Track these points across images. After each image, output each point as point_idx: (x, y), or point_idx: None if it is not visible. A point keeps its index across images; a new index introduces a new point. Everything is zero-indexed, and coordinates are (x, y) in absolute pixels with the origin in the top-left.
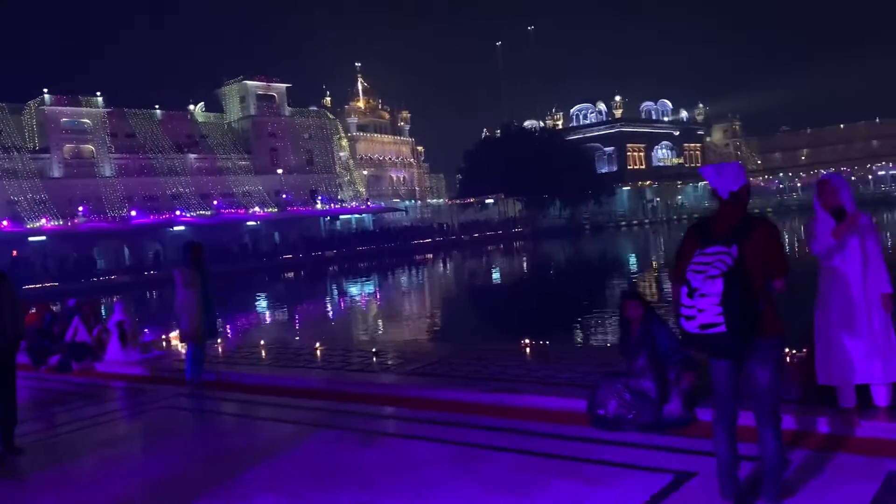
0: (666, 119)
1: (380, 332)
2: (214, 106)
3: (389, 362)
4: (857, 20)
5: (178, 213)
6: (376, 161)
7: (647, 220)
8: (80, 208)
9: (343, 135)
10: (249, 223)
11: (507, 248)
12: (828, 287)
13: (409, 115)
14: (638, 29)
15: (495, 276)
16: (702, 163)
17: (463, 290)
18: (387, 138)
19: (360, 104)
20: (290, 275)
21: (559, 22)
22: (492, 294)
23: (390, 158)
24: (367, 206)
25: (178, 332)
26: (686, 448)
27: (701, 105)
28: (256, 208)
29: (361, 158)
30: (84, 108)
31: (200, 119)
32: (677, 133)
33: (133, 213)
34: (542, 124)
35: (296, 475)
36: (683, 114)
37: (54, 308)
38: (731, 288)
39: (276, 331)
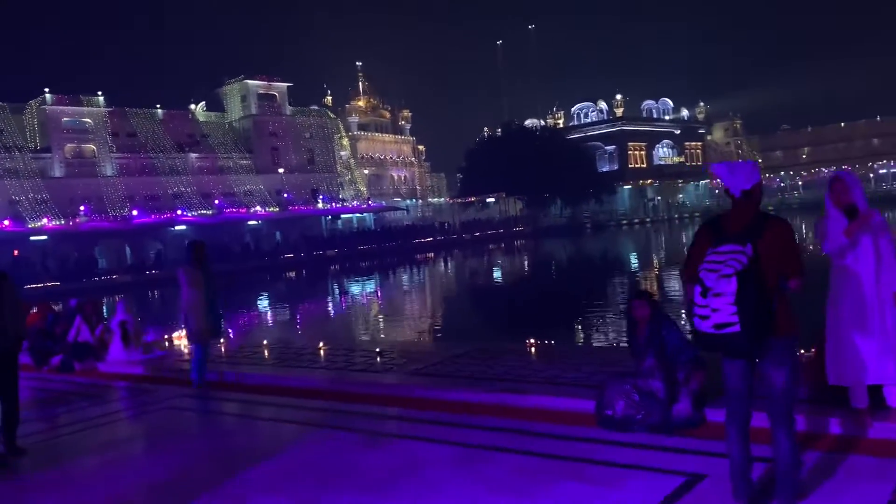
0: (667, 118)
1: (383, 331)
2: (215, 105)
3: (393, 362)
4: (857, 20)
5: (179, 212)
6: (377, 160)
7: (648, 219)
8: (82, 208)
9: (344, 134)
10: (251, 222)
11: (509, 247)
12: (839, 286)
13: (409, 114)
14: (638, 28)
15: (497, 275)
16: (703, 161)
17: (465, 290)
18: (388, 137)
19: (361, 103)
20: (292, 274)
21: (560, 21)
22: (494, 293)
23: (391, 157)
24: (369, 205)
25: (184, 332)
26: (696, 449)
27: (702, 103)
28: (258, 208)
29: (362, 157)
30: (85, 108)
31: (201, 118)
32: (678, 132)
33: (134, 212)
34: (542, 123)
35: (298, 476)
36: (684, 112)
37: (56, 308)
38: (746, 287)
39: (279, 330)
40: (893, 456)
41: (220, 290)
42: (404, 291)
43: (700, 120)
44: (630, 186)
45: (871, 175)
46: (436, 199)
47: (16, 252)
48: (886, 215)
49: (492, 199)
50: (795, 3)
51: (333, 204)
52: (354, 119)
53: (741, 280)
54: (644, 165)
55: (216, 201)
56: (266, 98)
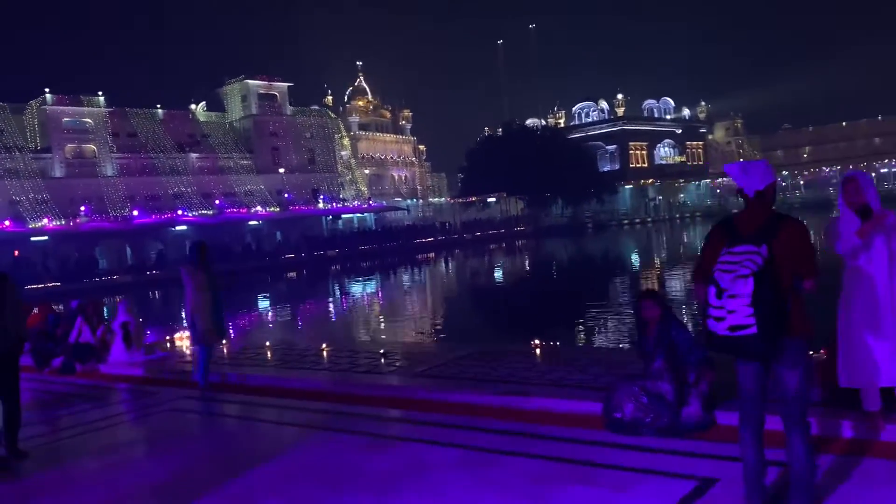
0: (668, 117)
1: (385, 332)
2: (216, 105)
3: (397, 364)
4: (858, 19)
5: (180, 212)
6: (378, 160)
7: (649, 219)
8: (82, 208)
9: (345, 134)
10: (251, 223)
11: (510, 247)
12: (852, 287)
13: (410, 113)
14: (639, 27)
15: (499, 275)
16: (704, 161)
17: (467, 290)
18: (388, 137)
19: (362, 103)
20: (293, 274)
21: (560, 20)
22: (496, 294)
23: (392, 157)
24: (369, 205)
25: (190, 334)
26: (706, 453)
27: (703, 103)
28: (258, 208)
29: (363, 157)
30: (86, 108)
31: (202, 118)
32: (679, 131)
33: (135, 212)
34: (543, 123)
35: (302, 479)
36: (686, 112)
37: (56, 309)
38: (763, 288)
39: (281, 331)
40: None
41: (223, 290)
42: (406, 292)
43: (701, 119)
44: (631, 186)
45: (873, 174)
46: (436, 199)
47: (16, 252)
48: None
49: (493, 199)
50: (796, 3)
51: (334, 204)
52: (355, 119)
53: (758, 281)
54: (645, 165)
55: (217, 201)
56: (266, 98)
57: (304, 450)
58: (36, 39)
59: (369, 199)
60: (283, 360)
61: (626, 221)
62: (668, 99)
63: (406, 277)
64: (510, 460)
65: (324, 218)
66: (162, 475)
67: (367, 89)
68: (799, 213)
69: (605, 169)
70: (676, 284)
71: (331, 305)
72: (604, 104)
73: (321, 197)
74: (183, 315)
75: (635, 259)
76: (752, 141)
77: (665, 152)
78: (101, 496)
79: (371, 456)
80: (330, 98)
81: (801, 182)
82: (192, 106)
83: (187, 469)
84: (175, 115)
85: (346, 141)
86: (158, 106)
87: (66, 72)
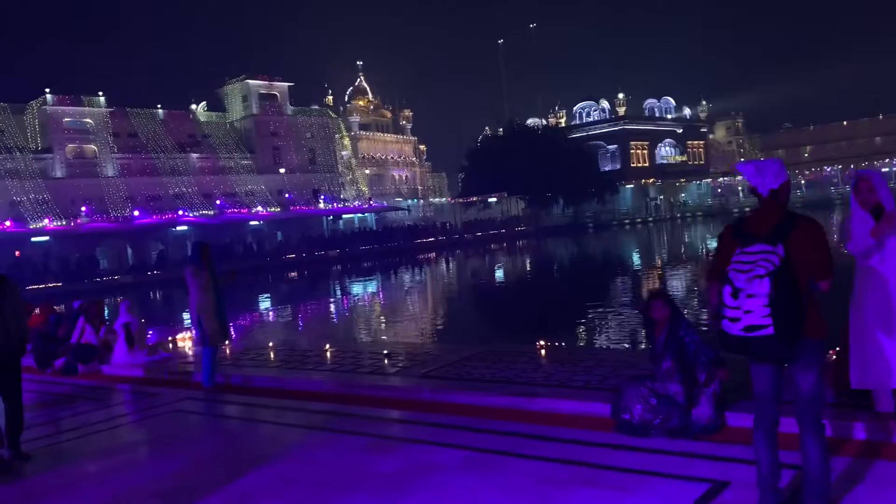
0: (669, 116)
1: (388, 333)
2: (216, 105)
3: (401, 364)
4: (858, 17)
5: (180, 212)
6: (378, 160)
7: (650, 218)
8: (83, 208)
9: (345, 134)
10: (252, 223)
11: (511, 247)
12: (864, 287)
13: (410, 113)
14: (640, 27)
15: (501, 275)
16: (705, 160)
17: (469, 291)
18: (389, 137)
19: (362, 103)
20: (294, 274)
21: (561, 20)
22: (498, 294)
23: (392, 157)
24: (370, 205)
25: (195, 335)
26: (717, 455)
27: (704, 102)
28: (259, 208)
29: (364, 157)
30: (86, 108)
31: (203, 118)
32: (680, 130)
33: (136, 213)
34: (544, 122)
35: (306, 480)
36: (686, 111)
37: (58, 309)
38: (780, 288)
39: (283, 332)
40: None
41: (226, 290)
42: (407, 292)
43: (702, 119)
44: (632, 186)
45: None
46: (437, 199)
47: (17, 253)
48: None
49: (493, 199)
50: (796, 2)
51: (335, 204)
52: (355, 119)
53: (775, 281)
54: (646, 164)
55: (217, 202)
56: (267, 98)
57: (308, 451)
58: (36, 39)
59: (370, 199)
60: (286, 360)
61: (627, 221)
62: (668, 98)
63: (407, 278)
64: (516, 462)
65: (325, 218)
66: (165, 477)
67: (368, 89)
68: (800, 212)
69: (606, 168)
70: (678, 284)
71: (332, 306)
72: (605, 104)
73: (322, 197)
74: (186, 316)
75: (637, 259)
76: (752, 140)
77: (666, 152)
78: (103, 498)
79: (376, 457)
80: (330, 98)
81: (803, 181)
82: (193, 106)
83: (190, 470)
84: (176, 115)
85: (346, 141)
86: (159, 106)
87: (66, 72)
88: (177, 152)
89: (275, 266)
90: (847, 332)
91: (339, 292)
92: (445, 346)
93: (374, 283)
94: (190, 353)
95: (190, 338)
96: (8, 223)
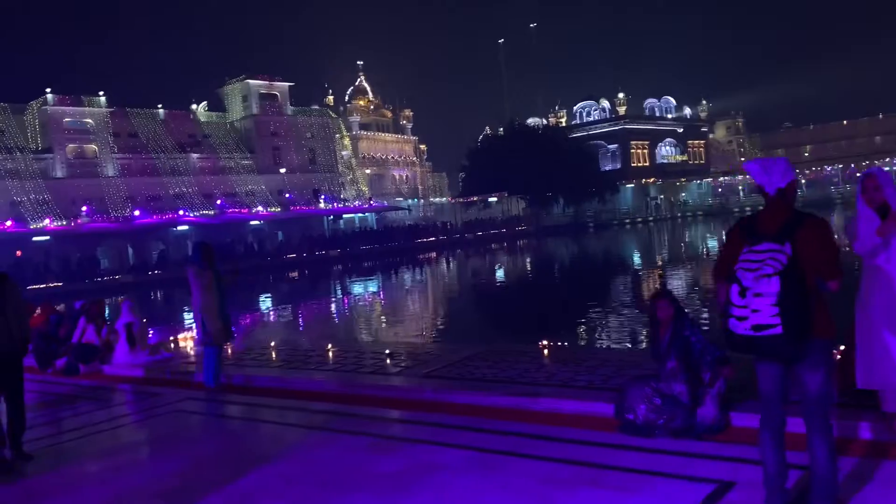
0: (669, 116)
1: (390, 333)
2: (217, 105)
3: (403, 364)
4: (858, 17)
5: (181, 212)
6: (379, 160)
7: (650, 218)
8: (84, 208)
9: (345, 134)
10: (253, 223)
11: (512, 247)
12: (870, 286)
13: (411, 113)
14: (640, 26)
15: (502, 275)
16: (706, 160)
17: (470, 290)
18: (389, 137)
19: (363, 103)
20: (295, 274)
21: (562, 19)
22: (500, 294)
23: (393, 157)
24: (371, 205)
25: (199, 335)
26: (722, 455)
27: (704, 102)
28: (259, 208)
29: (364, 157)
30: (87, 108)
31: (203, 118)
32: (681, 130)
33: (136, 212)
34: (545, 122)
35: (308, 480)
36: (687, 111)
37: (59, 308)
38: (789, 288)
39: (285, 332)
40: None
41: (228, 289)
42: (408, 292)
43: (702, 118)
44: (633, 185)
45: None
46: (438, 199)
47: (18, 252)
48: None
49: (494, 199)
50: (796, 2)
51: (335, 204)
52: (356, 119)
53: (784, 280)
54: (647, 164)
55: (218, 202)
56: (267, 98)
57: (309, 451)
58: (36, 39)
59: (370, 199)
60: (287, 360)
61: (627, 221)
62: (669, 98)
63: (408, 277)
64: (519, 462)
65: (325, 218)
66: (166, 477)
67: (368, 89)
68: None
69: (607, 168)
70: (679, 284)
71: (334, 306)
72: (605, 103)
73: (322, 197)
74: (189, 316)
75: (637, 259)
76: (753, 139)
77: (666, 151)
78: (105, 497)
79: (378, 457)
80: (331, 98)
81: (803, 181)
82: (193, 106)
83: (192, 470)
84: (176, 115)
85: (346, 141)
86: (159, 106)
87: (66, 72)
88: (177, 152)
89: (275, 266)
90: (853, 332)
91: (339, 292)
92: (447, 345)
93: (375, 282)
94: (191, 352)
95: (191, 337)
96: (9, 223)
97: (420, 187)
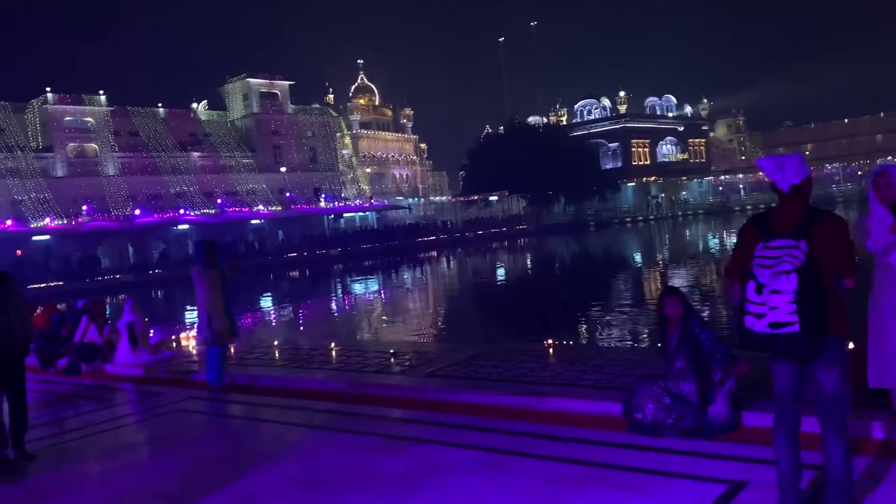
0: (670, 114)
1: (392, 332)
2: (217, 104)
3: (407, 364)
4: (858, 17)
5: (182, 211)
6: (379, 158)
7: (651, 217)
8: (84, 207)
9: (346, 132)
10: (254, 222)
11: (512, 246)
12: (882, 285)
13: (411, 112)
14: (641, 25)
15: (505, 273)
16: (706, 158)
17: (472, 289)
18: (389, 136)
19: (363, 101)
20: (296, 273)
21: (562, 18)
22: (501, 293)
23: (393, 156)
24: (371, 203)
25: (204, 334)
26: (733, 455)
27: (705, 100)
28: (260, 207)
29: (364, 156)
30: (87, 107)
31: (203, 117)
32: (682, 128)
33: (137, 211)
34: (545, 120)
35: (313, 480)
36: (688, 109)
37: (60, 307)
38: (806, 285)
39: (287, 331)
40: None
41: (232, 282)
42: (410, 291)
43: (703, 117)
44: (633, 184)
45: None
46: (438, 198)
47: (19, 252)
48: None
49: (494, 198)
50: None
51: (336, 203)
52: (356, 117)
53: (802, 277)
54: (647, 162)
55: (219, 200)
56: (268, 96)
57: (314, 451)
58: (37, 39)
59: (371, 197)
60: (291, 359)
61: (628, 219)
62: (670, 96)
63: (409, 276)
64: (527, 462)
65: (326, 217)
66: (169, 477)
67: (369, 87)
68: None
69: (608, 167)
70: (680, 283)
71: (336, 305)
72: (606, 102)
73: (323, 196)
74: (190, 315)
75: (639, 257)
76: (753, 138)
77: (667, 150)
78: (107, 497)
79: (383, 457)
80: (331, 96)
81: None
82: (194, 104)
83: (194, 470)
84: (176, 114)
85: (347, 139)
86: (160, 105)
87: (67, 71)
88: (178, 151)
89: (276, 265)
90: (865, 331)
91: (341, 291)
92: (451, 344)
93: (376, 281)
94: (194, 352)
95: (193, 336)
96: (9, 222)
97: (420, 186)
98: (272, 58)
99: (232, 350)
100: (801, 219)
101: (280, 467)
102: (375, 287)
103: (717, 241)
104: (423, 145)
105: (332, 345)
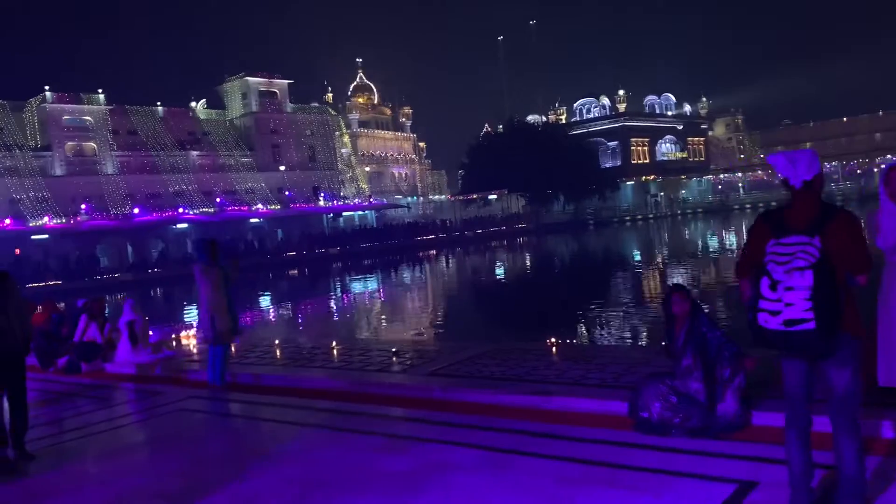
0: (669, 113)
1: (393, 330)
2: (216, 102)
3: (410, 362)
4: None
5: (181, 210)
6: (378, 157)
7: (650, 215)
8: (83, 206)
9: (345, 131)
10: (253, 220)
11: (512, 244)
12: (892, 282)
13: (410, 110)
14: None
15: (505, 272)
16: (705, 157)
17: (472, 288)
18: (388, 134)
19: (362, 100)
20: (295, 272)
21: (561, 17)
22: (501, 291)
23: (392, 155)
24: (370, 202)
25: (206, 333)
26: (742, 454)
27: (704, 99)
28: (259, 205)
29: (363, 155)
30: (86, 106)
31: (202, 116)
32: (681, 127)
33: (136, 210)
34: (544, 119)
35: (315, 480)
36: (687, 108)
37: (60, 306)
38: (822, 281)
39: (287, 329)
40: None
41: (234, 280)
42: (409, 290)
43: (702, 115)
44: (633, 182)
45: (875, 170)
46: (437, 197)
47: (17, 251)
48: None
49: (493, 197)
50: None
51: (335, 202)
52: (355, 116)
53: (818, 274)
54: (647, 161)
55: (217, 199)
56: (267, 95)
57: (316, 450)
58: (35, 37)
59: (370, 196)
60: (292, 358)
61: (627, 218)
62: (669, 95)
63: (408, 275)
64: (532, 461)
65: (325, 216)
66: (169, 477)
67: (368, 86)
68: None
69: (607, 165)
70: (680, 281)
71: (335, 304)
72: (605, 100)
73: (322, 194)
74: (190, 314)
75: (638, 256)
76: (752, 137)
77: (666, 148)
78: (107, 497)
79: (387, 456)
80: (330, 95)
81: None
82: (193, 103)
83: (195, 470)
84: (175, 113)
85: (346, 138)
86: (159, 103)
87: (65, 69)
88: (177, 150)
89: (275, 264)
90: (874, 329)
91: (340, 290)
92: (453, 343)
93: (376, 280)
94: (194, 350)
95: (193, 335)
96: (7, 221)
97: (419, 185)
98: (271, 57)
99: (233, 349)
100: (814, 215)
101: (281, 467)
102: (375, 286)
103: (716, 239)
104: (422, 144)
105: (334, 343)
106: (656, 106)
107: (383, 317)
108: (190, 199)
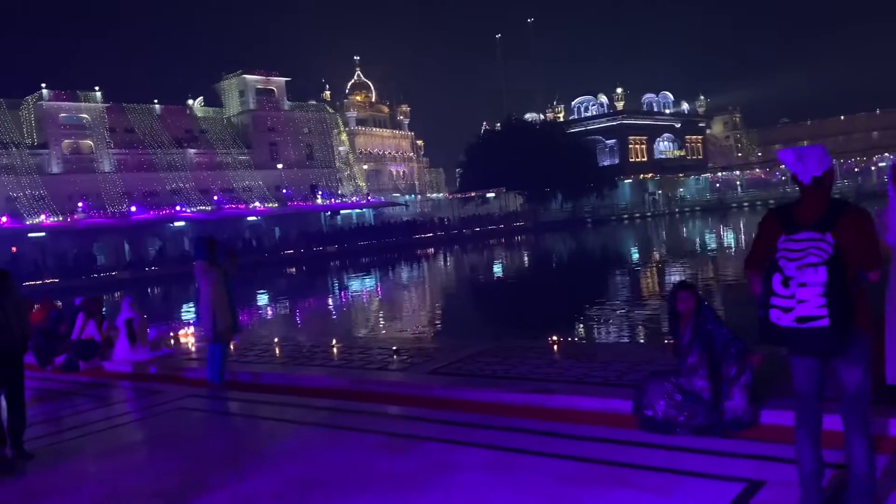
0: (667, 111)
1: (393, 328)
2: (213, 100)
3: (410, 361)
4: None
5: (178, 208)
6: (376, 155)
7: (648, 213)
8: (80, 204)
9: (343, 129)
10: (250, 218)
11: (510, 242)
12: None
13: (408, 108)
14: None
15: (501, 270)
16: (703, 155)
17: (471, 286)
18: (386, 132)
19: (360, 98)
20: (293, 270)
21: (560, 15)
22: (500, 289)
23: (390, 153)
24: (368, 200)
25: (206, 331)
26: (748, 453)
27: (702, 97)
28: (257, 203)
29: (361, 153)
30: (83, 104)
31: (199, 114)
32: (679, 125)
33: (133, 208)
34: (542, 117)
35: (316, 480)
36: (685, 106)
37: (57, 304)
38: (834, 278)
39: (286, 328)
40: None
41: (233, 276)
42: (408, 288)
43: (700, 114)
44: (630, 180)
45: (873, 168)
46: (435, 195)
47: (14, 249)
48: None
49: (492, 195)
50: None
51: (333, 200)
52: (353, 114)
53: (831, 270)
54: (645, 159)
55: (215, 197)
56: (264, 93)
57: (316, 449)
58: (33, 35)
59: (368, 194)
60: (292, 356)
61: (625, 216)
62: (667, 93)
63: (406, 273)
64: (536, 460)
65: (322, 214)
66: (168, 475)
67: (366, 84)
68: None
69: (605, 163)
70: (680, 279)
71: (333, 302)
72: (603, 98)
73: (319, 192)
74: (191, 312)
75: (636, 254)
76: (750, 135)
77: (664, 146)
78: (105, 496)
79: (388, 456)
80: (328, 93)
81: None
82: (190, 101)
83: (193, 469)
84: (172, 111)
85: (344, 136)
86: (156, 101)
87: (62, 67)
88: (174, 148)
89: (273, 262)
90: (882, 326)
91: (338, 288)
92: (453, 341)
93: (374, 278)
94: (192, 348)
95: (192, 333)
96: (4, 219)
97: (417, 183)
98: (268, 54)
99: (232, 347)
100: (824, 211)
101: (280, 466)
102: (374, 284)
103: (713, 237)
104: (419, 142)
105: (334, 342)
106: (654, 104)
107: (382, 315)
108: (187, 197)
